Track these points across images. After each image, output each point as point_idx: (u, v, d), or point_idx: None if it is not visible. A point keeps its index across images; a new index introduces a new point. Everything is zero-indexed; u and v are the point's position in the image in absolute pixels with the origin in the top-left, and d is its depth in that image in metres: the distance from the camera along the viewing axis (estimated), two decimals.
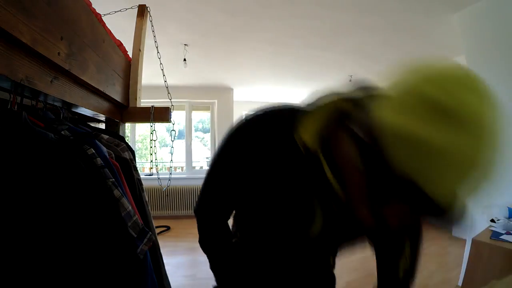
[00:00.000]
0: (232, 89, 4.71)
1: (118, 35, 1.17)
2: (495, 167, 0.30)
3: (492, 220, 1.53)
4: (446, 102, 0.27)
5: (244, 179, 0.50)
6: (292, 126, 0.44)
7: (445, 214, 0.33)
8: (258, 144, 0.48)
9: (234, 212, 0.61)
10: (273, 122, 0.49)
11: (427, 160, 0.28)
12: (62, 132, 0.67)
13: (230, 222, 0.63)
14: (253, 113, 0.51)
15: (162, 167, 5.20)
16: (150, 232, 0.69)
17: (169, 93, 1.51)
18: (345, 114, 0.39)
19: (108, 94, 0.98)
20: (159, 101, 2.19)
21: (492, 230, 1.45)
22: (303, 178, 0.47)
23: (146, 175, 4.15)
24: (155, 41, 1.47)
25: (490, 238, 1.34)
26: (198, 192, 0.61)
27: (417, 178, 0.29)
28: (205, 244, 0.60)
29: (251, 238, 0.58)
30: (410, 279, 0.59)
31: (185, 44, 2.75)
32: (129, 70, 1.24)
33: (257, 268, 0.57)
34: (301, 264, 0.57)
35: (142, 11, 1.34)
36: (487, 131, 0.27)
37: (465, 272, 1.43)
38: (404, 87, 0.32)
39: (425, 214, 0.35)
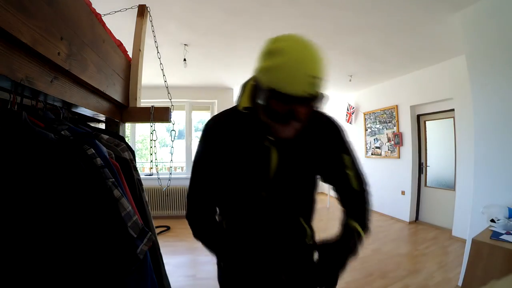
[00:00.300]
0: (232, 89, 4.71)
1: (118, 35, 1.17)
2: (296, 68, 0.53)
3: (492, 220, 1.53)
4: (276, 50, 0.56)
5: (216, 161, 0.69)
6: (234, 112, 0.70)
7: (304, 99, 0.54)
8: (218, 133, 0.70)
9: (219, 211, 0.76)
10: (222, 117, 0.74)
11: (272, 74, 0.55)
12: (62, 132, 0.67)
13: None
14: (208, 120, 0.74)
15: (162, 167, 5.19)
16: (150, 232, 0.69)
17: (169, 93, 1.51)
18: (255, 84, 0.63)
19: (108, 94, 0.98)
20: (159, 101, 2.19)
21: (492, 230, 1.45)
22: (255, 132, 0.67)
23: (146, 175, 4.15)
24: (155, 41, 1.47)
25: (490, 238, 1.34)
26: (195, 235, 0.74)
27: (275, 85, 0.54)
28: (200, 235, 0.73)
29: (232, 215, 0.73)
30: (364, 186, 0.76)
31: (185, 44, 2.75)
32: (129, 70, 1.24)
33: (242, 239, 0.71)
34: (272, 222, 0.70)
35: (142, 11, 1.34)
36: (287, 54, 0.54)
37: (465, 272, 1.43)
38: (262, 50, 0.61)
39: (295, 103, 0.56)
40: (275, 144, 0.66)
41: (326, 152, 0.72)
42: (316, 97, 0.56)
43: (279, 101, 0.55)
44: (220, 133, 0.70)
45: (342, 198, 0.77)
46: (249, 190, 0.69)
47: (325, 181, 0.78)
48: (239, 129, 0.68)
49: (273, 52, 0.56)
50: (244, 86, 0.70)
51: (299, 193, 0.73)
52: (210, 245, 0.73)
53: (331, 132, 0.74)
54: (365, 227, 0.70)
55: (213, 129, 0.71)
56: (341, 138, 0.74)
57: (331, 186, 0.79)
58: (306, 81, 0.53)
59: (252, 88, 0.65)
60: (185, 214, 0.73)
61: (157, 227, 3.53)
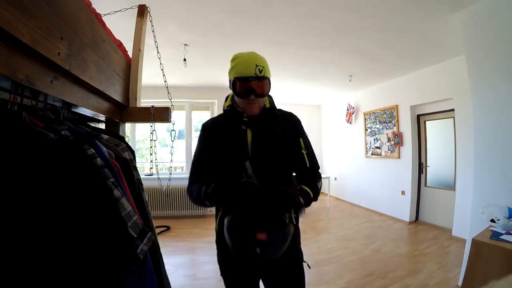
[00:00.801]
0: None
1: (118, 35, 1.17)
2: (246, 60, 0.87)
3: (492, 220, 1.53)
4: (234, 58, 0.90)
5: (209, 146, 0.95)
6: (222, 113, 1.00)
7: (254, 77, 0.85)
8: (209, 128, 0.99)
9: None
10: (212, 118, 1.04)
11: (234, 69, 0.87)
12: (62, 132, 0.67)
13: None
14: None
15: (162, 167, 5.19)
16: (150, 232, 0.69)
17: (169, 93, 1.51)
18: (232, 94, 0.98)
19: (108, 94, 0.98)
20: (159, 101, 2.19)
21: (492, 230, 1.44)
22: (235, 120, 0.93)
23: (146, 175, 4.14)
24: (155, 41, 1.47)
25: (490, 238, 1.34)
26: (190, 199, 0.95)
27: (237, 74, 0.86)
28: (194, 196, 0.90)
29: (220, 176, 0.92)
30: (315, 164, 0.96)
31: (185, 44, 2.75)
32: (129, 70, 1.24)
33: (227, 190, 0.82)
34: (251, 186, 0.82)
35: (142, 11, 1.34)
36: (240, 56, 0.88)
37: (465, 272, 1.43)
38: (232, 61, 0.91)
39: (249, 81, 0.86)
40: (249, 125, 0.92)
41: (288, 135, 0.94)
42: (262, 77, 0.86)
43: (240, 82, 0.86)
44: (212, 126, 0.99)
45: (298, 174, 0.97)
46: (234, 161, 0.89)
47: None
48: (224, 122, 0.96)
49: (233, 59, 0.90)
50: (227, 97, 1.00)
51: (272, 163, 0.90)
52: (205, 197, 0.85)
53: (291, 121, 0.98)
54: (313, 191, 0.88)
55: (206, 125, 1.01)
56: (299, 126, 0.98)
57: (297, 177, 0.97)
58: (253, 66, 0.85)
59: (231, 95, 0.98)
60: (186, 189, 0.96)
61: (157, 227, 3.53)
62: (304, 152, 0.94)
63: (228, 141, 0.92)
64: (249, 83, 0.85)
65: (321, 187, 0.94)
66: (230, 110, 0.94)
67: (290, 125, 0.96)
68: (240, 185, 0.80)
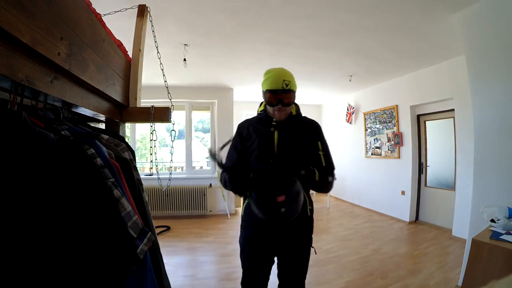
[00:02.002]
0: (232, 89, 4.71)
1: (118, 35, 1.17)
2: (277, 76, 1.07)
3: (492, 220, 1.53)
4: (266, 73, 1.11)
5: (243, 142, 1.17)
6: (255, 116, 1.24)
7: (282, 90, 1.06)
8: (245, 127, 1.20)
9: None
10: (247, 119, 1.25)
11: (266, 82, 1.09)
12: (62, 132, 0.67)
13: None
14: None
15: (162, 167, 5.19)
16: (150, 232, 0.69)
17: (169, 93, 1.51)
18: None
19: (108, 94, 0.98)
20: (159, 101, 2.19)
21: (492, 230, 1.44)
22: (266, 123, 1.15)
23: (146, 175, 4.15)
24: (155, 41, 1.47)
25: (490, 238, 1.34)
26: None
27: (268, 87, 1.08)
28: (222, 181, 1.13)
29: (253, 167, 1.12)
30: (330, 164, 1.13)
31: (185, 44, 2.75)
32: (129, 70, 1.24)
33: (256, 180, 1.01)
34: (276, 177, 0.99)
35: (142, 11, 1.34)
36: (272, 71, 1.09)
37: (465, 272, 1.42)
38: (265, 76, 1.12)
39: (278, 93, 1.06)
40: (277, 128, 1.13)
41: (308, 138, 1.13)
42: (288, 90, 1.06)
43: (270, 93, 1.07)
44: (246, 126, 1.19)
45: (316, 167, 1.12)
46: (262, 158, 1.10)
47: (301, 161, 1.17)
48: (257, 123, 1.18)
49: (265, 73, 1.11)
50: (261, 103, 1.23)
51: (294, 161, 1.08)
52: (236, 185, 1.07)
53: (312, 127, 1.17)
54: (320, 176, 1.07)
55: (241, 125, 1.22)
56: (319, 132, 1.17)
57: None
58: (281, 81, 1.05)
59: (264, 102, 1.18)
60: (219, 175, 1.18)
61: (157, 227, 3.53)
62: (321, 153, 1.12)
63: (258, 139, 1.13)
64: (278, 95, 1.06)
65: (332, 181, 1.10)
66: (263, 115, 1.17)
67: (311, 130, 1.16)
68: (257, 169, 1.04)
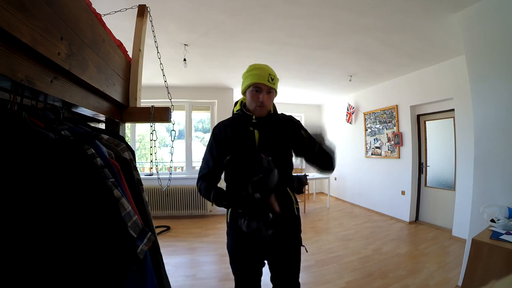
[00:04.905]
0: (232, 89, 4.71)
1: (118, 35, 1.17)
2: (262, 70, 1.05)
3: (492, 220, 1.53)
4: (251, 67, 1.09)
5: (220, 144, 1.10)
6: (231, 117, 1.18)
7: (266, 86, 1.05)
8: (221, 130, 1.13)
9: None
10: (223, 120, 1.18)
11: (251, 76, 1.05)
12: (62, 132, 0.67)
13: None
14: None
15: (162, 167, 5.19)
16: (150, 232, 0.69)
17: (169, 93, 1.51)
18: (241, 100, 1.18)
19: (108, 94, 0.98)
20: (159, 101, 2.19)
21: (492, 230, 1.44)
22: (243, 122, 1.10)
23: (146, 175, 4.15)
24: (155, 41, 1.47)
25: (490, 238, 1.34)
26: (198, 192, 1.10)
27: (253, 81, 1.04)
28: (200, 189, 1.08)
29: (230, 175, 1.02)
30: (324, 151, 1.05)
31: (185, 44, 2.75)
32: (129, 70, 1.24)
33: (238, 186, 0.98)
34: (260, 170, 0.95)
35: (142, 11, 1.34)
36: (257, 67, 1.07)
37: (465, 272, 1.43)
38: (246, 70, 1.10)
39: (262, 88, 1.05)
40: (257, 127, 1.08)
41: (290, 132, 1.10)
42: (273, 85, 1.05)
43: (255, 88, 1.05)
44: (222, 128, 1.13)
45: (307, 156, 1.10)
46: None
47: (296, 154, 1.13)
48: (234, 124, 1.12)
49: (249, 68, 1.09)
50: (236, 102, 1.18)
51: (277, 159, 1.01)
52: (215, 196, 1.01)
53: (291, 122, 1.15)
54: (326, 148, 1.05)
55: (217, 128, 1.15)
56: (298, 124, 1.15)
57: (312, 166, 1.10)
58: (267, 77, 1.03)
59: (240, 101, 1.16)
60: (196, 182, 1.11)
61: (157, 227, 3.53)
62: (305, 139, 1.08)
63: (237, 140, 1.07)
64: (263, 88, 1.04)
65: (334, 151, 1.06)
66: (240, 114, 1.11)
67: (291, 125, 1.14)
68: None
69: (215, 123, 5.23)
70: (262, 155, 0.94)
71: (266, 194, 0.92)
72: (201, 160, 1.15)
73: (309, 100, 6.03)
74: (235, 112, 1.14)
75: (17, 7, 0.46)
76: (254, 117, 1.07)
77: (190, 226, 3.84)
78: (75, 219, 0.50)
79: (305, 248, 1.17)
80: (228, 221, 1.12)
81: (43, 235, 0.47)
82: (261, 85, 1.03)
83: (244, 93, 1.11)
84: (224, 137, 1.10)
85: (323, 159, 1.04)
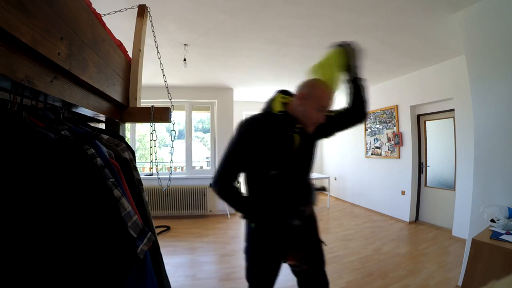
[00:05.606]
0: (232, 89, 4.71)
1: (118, 35, 1.17)
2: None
3: (492, 220, 1.53)
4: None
5: (252, 149, 0.99)
6: (268, 115, 1.08)
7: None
8: (256, 128, 1.01)
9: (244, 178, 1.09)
10: (260, 116, 1.07)
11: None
12: (62, 132, 0.67)
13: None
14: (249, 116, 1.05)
15: (162, 167, 5.20)
16: (150, 232, 0.69)
17: (169, 93, 1.51)
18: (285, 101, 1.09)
19: (108, 94, 0.98)
20: (159, 101, 2.19)
21: (492, 230, 1.44)
22: (285, 125, 1.04)
23: (146, 175, 4.15)
24: (155, 41, 1.47)
25: (490, 238, 1.34)
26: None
27: (324, 104, 1.02)
28: (227, 197, 1.00)
29: (257, 185, 1.05)
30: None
31: (185, 44, 2.75)
32: (129, 70, 1.24)
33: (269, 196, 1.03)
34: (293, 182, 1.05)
35: (142, 11, 1.34)
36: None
37: (465, 272, 1.43)
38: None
39: (326, 112, 1.04)
40: (299, 133, 1.05)
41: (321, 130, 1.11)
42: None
43: (322, 108, 1.01)
44: (257, 127, 1.02)
45: (341, 114, 1.22)
46: (280, 162, 1.02)
47: (330, 132, 1.24)
48: (271, 124, 1.03)
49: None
50: (273, 99, 1.10)
51: (309, 163, 1.11)
52: (240, 205, 1.00)
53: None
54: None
55: (252, 125, 1.02)
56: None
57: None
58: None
59: (279, 100, 1.09)
60: (213, 184, 1.00)
61: (157, 227, 3.53)
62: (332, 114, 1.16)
63: (275, 143, 1.01)
64: (327, 110, 1.04)
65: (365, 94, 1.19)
66: (283, 115, 1.04)
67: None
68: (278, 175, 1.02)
69: (215, 123, 5.19)
70: (312, 185, 1.01)
71: (304, 222, 1.03)
72: (223, 159, 1.01)
73: None
74: (277, 111, 1.05)
75: (17, 7, 0.46)
76: (299, 123, 1.04)
77: (190, 226, 3.84)
78: (75, 219, 0.50)
79: (324, 243, 1.27)
80: (249, 235, 1.11)
81: (43, 235, 0.47)
82: (327, 108, 1.03)
83: (301, 98, 1.03)
84: (259, 137, 1.00)
85: (358, 103, 1.18)
